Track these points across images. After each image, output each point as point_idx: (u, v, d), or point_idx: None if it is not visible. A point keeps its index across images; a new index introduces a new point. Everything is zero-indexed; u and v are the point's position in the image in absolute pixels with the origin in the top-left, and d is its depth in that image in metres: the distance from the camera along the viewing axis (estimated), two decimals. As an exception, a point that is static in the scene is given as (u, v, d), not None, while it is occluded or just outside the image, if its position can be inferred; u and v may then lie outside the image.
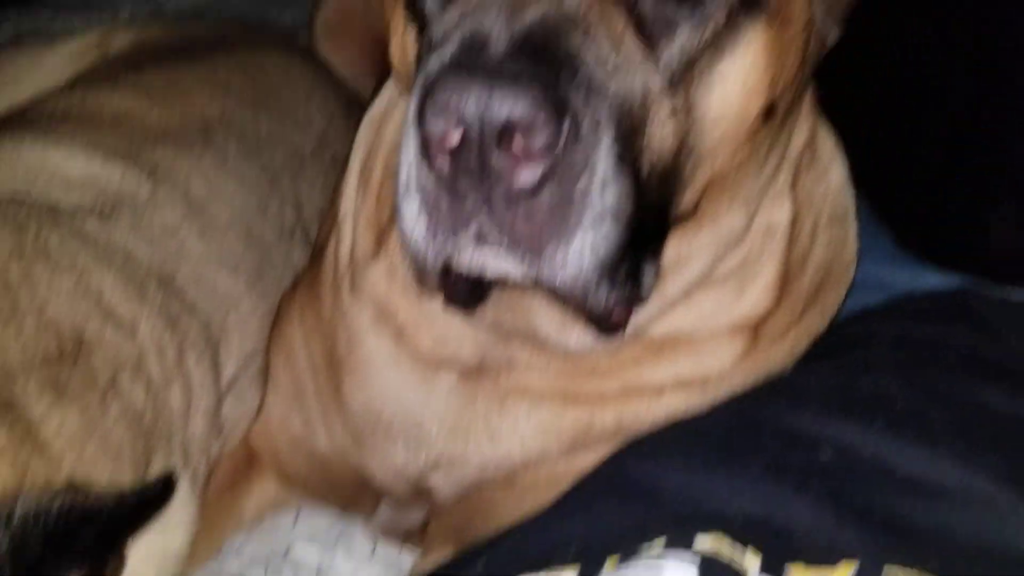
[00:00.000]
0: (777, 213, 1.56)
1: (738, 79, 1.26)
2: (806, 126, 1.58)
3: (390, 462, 1.69)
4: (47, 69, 2.63)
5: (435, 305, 1.56)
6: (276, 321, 1.90)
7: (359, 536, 1.90)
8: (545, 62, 1.10)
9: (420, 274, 1.26)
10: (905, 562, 1.11)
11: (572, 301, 1.24)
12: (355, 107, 2.46)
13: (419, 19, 1.33)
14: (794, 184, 1.57)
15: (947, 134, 2.52)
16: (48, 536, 1.20)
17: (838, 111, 1.70)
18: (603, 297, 1.21)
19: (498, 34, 1.12)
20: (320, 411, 1.78)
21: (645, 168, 1.21)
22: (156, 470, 1.54)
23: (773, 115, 1.33)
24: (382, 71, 1.74)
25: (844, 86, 1.65)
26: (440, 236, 1.17)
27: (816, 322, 1.68)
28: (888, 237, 2.57)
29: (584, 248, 1.14)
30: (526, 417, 1.58)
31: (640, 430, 1.55)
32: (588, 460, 1.53)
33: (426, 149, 1.12)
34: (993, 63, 2.50)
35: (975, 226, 2.41)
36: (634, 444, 1.52)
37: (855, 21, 1.45)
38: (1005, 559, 1.15)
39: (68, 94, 2.09)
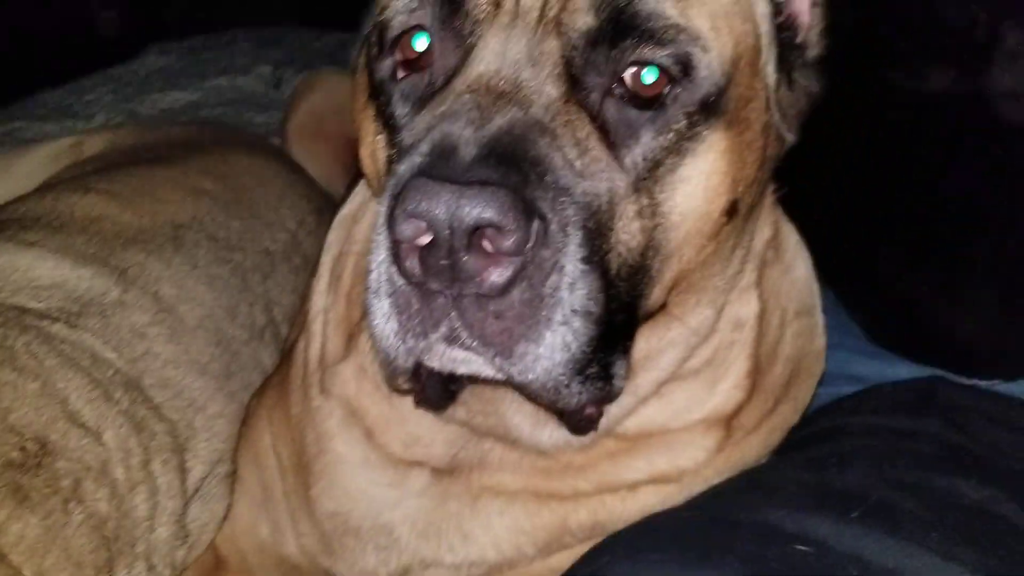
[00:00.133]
0: (744, 307, 1.58)
1: (700, 179, 1.29)
2: (769, 223, 1.62)
3: (360, 567, 1.65)
4: (20, 174, 2.65)
5: (405, 405, 1.55)
6: (245, 423, 1.88)
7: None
8: (513, 167, 1.13)
9: (391, 374, 1.26)
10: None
11: (544, 399, 1.25)
12: (327, 207, 2.49)
13: (389, 125, 1.36)
14: (760, 279, 1.60)
15: (912, 230, 2.59)
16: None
17: (805, 209, 1.74)
18: (575, 394, 1.22)
19: (467, 140, 1.16)
20: (289, 515, 1.75)
21: (613, 266, 1.23)
22: (120, 578, 1.50)
23: (736, 213, 1.36)
24: (354, 172, 1.77)
25: (809, 185, 1.70)
26: (411, 337, 1.18)
27: (789, 414, 1.69)
28: (858, 330, 2.61)
29: (555, 347, 1.15)
30: (499, 516, 1.56)
31: (615, 527, 1.53)
32: (564, 560, 1.51)
33: (397, 252, 1.14)
34: (956, 157, 2.59)
35: (942, 319, 2.46)
36: (609, 543, 1.49)
37: (812, 125, 1.51)
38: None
39: (39, 198, 2.10)
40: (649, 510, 1.54)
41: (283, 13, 5.28)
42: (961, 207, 2.52)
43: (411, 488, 1.59)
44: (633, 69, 1.26)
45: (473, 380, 1.33)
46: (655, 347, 1.46)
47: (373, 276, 1.18)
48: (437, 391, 1.39)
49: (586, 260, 1.16)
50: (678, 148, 1.27)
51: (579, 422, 1.40)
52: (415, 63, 1.33)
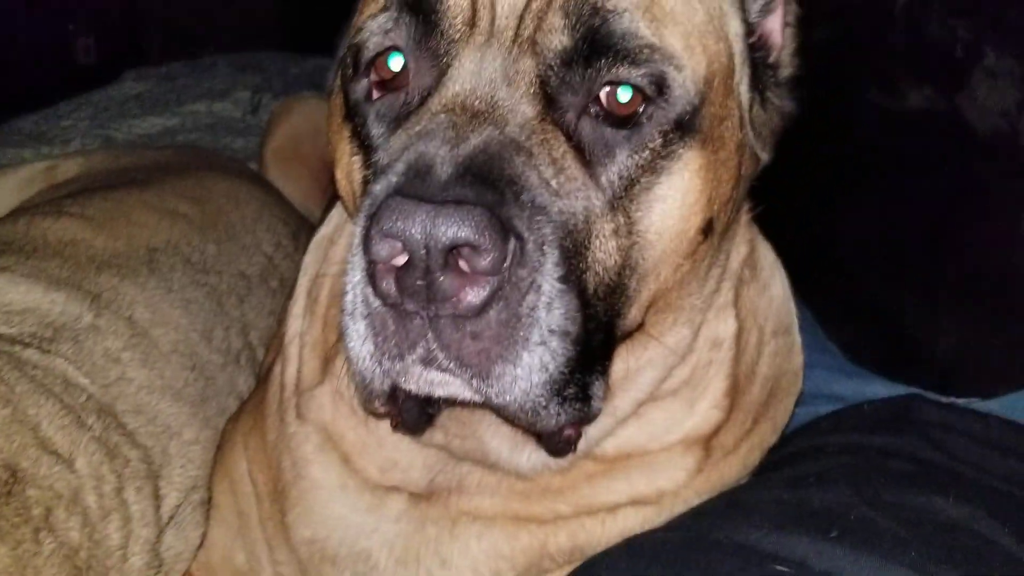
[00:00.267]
0: (722, 326, 1.58)
1: (676, 198, 1.30)
2: (745, 241, 1.63)
3: (338, 594, 1.63)
4: (-6, 199, 2.62)
5: (383, 429, 1.53)
6: (220, 448, 1.85)
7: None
8: (489, 186, 1.13)
9: (367, 397, 1.25)
10: None
11: (522, 421, 1.24)
12: (304, 230, 2.49)
13: (364, 146, 1.36)
14: (737, 298, 1.60)
15: (888, 248, 2.61)
16: None
17: (781, 227, 1.75)
18: (553, 416, 1.21)
19: (443, 159, 1.15)
20: (265, 542, 1.72)
21: (590, 286, 1.23)
22: (90, 610, 1.47)
23: (712, 231, 1.37)
24: (331, 195, 1.77)
25: (786, 203, 1.71)
26: (387, 359, 1.17)
27: (767, 434, 1.68)
28: (835, 348, 2.62)
29: (532, 368, 1.15)
30: (478, 541, 1.54)
31: (595, 550, 1.52)
32: (543, 584, 1.50)
33: (372, 273, 1.13)
34: (934, 175, 2.61)
35: (919, 338, 2.47)
36: (589, 566, 1.48)
37: (789, 142, 1.52)
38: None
39: (12, 223, 2.08)
40: (629, 532, 1.53)
41: (262, 39, 5.29)
42: (937, 226, 2.55)
43: (389, 513, 1.57)
44: (608, 88, 1.26)
45: (450, 403, 1.32)
46: (633, 367, 1.46)
47: (348, 298, 1.17)
48: (414, 414, 1.38)
49: (563, 279, 1.16)
50: (654, 166, 1.27)
51: (558, 444, 1.39)
52: (390, 83, 1.33)
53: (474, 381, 1.15)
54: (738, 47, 1.41)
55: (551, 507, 1.53)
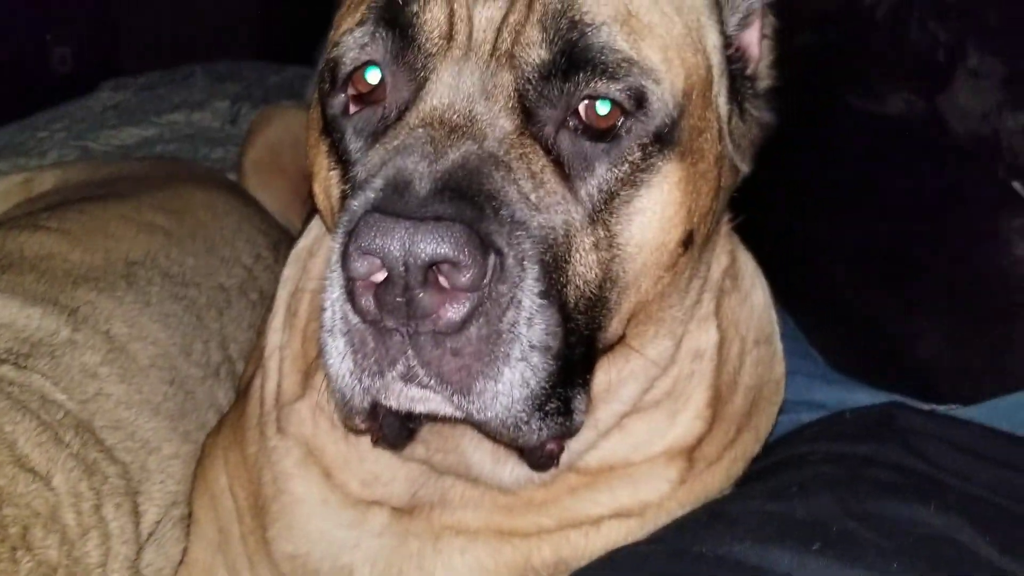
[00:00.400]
0: (704, 337, 1.58)
1: (656, 210, 1.30)
2: (725, 251, 1.63)
3: (320, 610, 1.61)
4: (-33, 213, 2.59)
5: (364, 443, 1.52)
6: (200, 463, 1.83)
7: None
8: (468, 201, 1.13)
9: (347, 414, 1.24)
10: None
11: (504, 436, 1.23)
12: (284, 241, 2.47)
13: (342, 160, 1.35)
14: (718, 308, 1.60)
15: (868, 255, 2.63)
16: None
17: (761, 236, 1.76)
18: (535, 430, 1.20)
19: (421, 175, 1.15)
20: (246, 558, 1.70)
21: (571, 300, 1.23)
22: (69, 630, 1.45)
23: (692, 243, 1.37)
24: (311, 206, 1.76)
25: (765, 212, 1.71)
26: (367, 375, 1.16)
27: (750, 444, 1.68)
28: (817, 356, 2.63)
29: (514, 383, 1.14)
30: (461, 555, 1.53)
31: (579, 564, 1.52)
32: (527, 599, 1.49)
33: (351, 290, 1.12)
34: (913, 181, 2.63)
35: (900, 345, 2.49)
36: (573, 580, 1.48)
37: (768, 151, 1.52)
38: None
39: (-13, 237, 2.06)
40: (612, 545, 1.52)
41: (240, 48, 5.27)
42: (916, 230, 2.56)
43: (371, 528, 1.56)
44: (587, 102, 1.26)
45: (432, 418, 1.32)
46: (615, 379, 1.46)
47: (327, 314, 1.17)
48: (395, 430, 1.37)
49: (544, 294, 1.15)
50: (633, 179, 1.27)
51: (540, 458, 1.39)
52: (367, 97, 1.33)
53: (455, 397, 1.15)
54: (716, 59, 1.41)
55: (534, 521, 1.53)
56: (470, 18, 1.28)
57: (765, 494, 1.53)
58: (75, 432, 1.63)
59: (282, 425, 1.64)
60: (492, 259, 1.10)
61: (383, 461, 1.54)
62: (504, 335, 1.12)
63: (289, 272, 1.79)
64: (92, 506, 1.59)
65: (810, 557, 1.30)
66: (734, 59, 1.46)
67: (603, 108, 1.26)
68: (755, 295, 1.73)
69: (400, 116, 1.28)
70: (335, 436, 1.58)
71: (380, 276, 1.09)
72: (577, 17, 1.26)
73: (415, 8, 1.29)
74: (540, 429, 1.20)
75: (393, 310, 1.09)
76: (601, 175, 1.26)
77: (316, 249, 1.74)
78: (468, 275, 1.08)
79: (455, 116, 1.22)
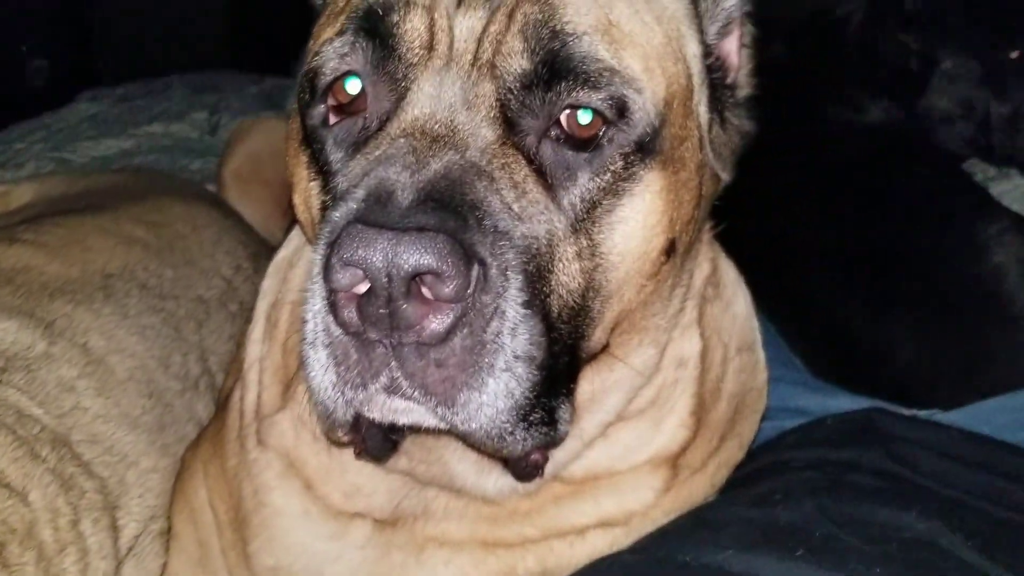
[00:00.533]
0: (687, 345, 1.58)
1: (638, 219, 1.30)
2: (707, 260, 1.63)
3: (302, 624, 1.60)
4: (-58, 226, 2.55)
5: (346, 455, 1.51)
6: (179, 477, 1.81)
7: None
8: (451, 211, 1.12)
9: (329, 427, 1.23)
10: None
11: (488, 447, 1.23)
12: (264, 252, 2.45)
13: (323, 171, 1.34)
14: (701, 316, 1.60)
15: (848, 262, 2.65)
16: None
17: (742, 244, 1.76)
18: (519, 441, 1.20)
19: (403, 185, 1.14)
20: (227, 571, 1.69)
21: (555, 309, 1.22)
22: (47, 649, 1.43)
23: (674, 252, 1.37)
24: (292, 216, 1.75)
25: (746, 220, 1.72)
26: (349, 388, 1.15)
27: (734, 451, 1.69)
28: (798, 363, 2.64)
29: (498, 394, 1.14)
30: (445, 567, 1.52)
31: (564, 574, 1.51)
32: (512, 610, 1.48)
33: (333, 302, 1.11)
34: (889, 188, 2.65)
35: (880, 351, 2.51)
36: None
37: (748, 160, 1.53)
38: None
39: (-37, 250, 2.03)
40: (597, 554, 1.52)
41: (219, 58, 5.25)
42: (895, 240, 2.59)
43: (353, 540, 1.55)
44: (568, 111, 1.26)
45: (415, 429, 1.31)
46: (599, 389, 1.45)
47: (309, 327, 1.16)
48: (378, 442, 1.36)
49: (527, 304, 1.15)
50: (615, 188, 1.27)
51: (524, 468, 1.38)
52: (348, 107, 1.32)
53: (439, 409, 1.14)
54: (696, 68, 1.42)
55: (519, 531, 1.52)
56: (451, 28, 1.28)
57: (748, 501, 1.54)
58: (52, 447, 1.61)
59: (262, 437, 1.63)
60: (475, 269, 1.10)
61: (365, 473, 1.53)
62: (488, 346, 1.11)
63: (269, 283, 1.78)
64: (69, 522, 1.57)
65: (792, 564, 1.30)
66: (714, 68, 1.46)
67: (585, 117, 1.26)
68: (737, 303, 1.74)
69: (381, 127, 1.27)
70: (316, 448, 1.57)
71: (363, 287, 1.08)
72: (558, 27, 1.26)
73: (395, 18, 1.29)
74: (525, 439, 1.20)
75: (376, 322, 1.09)
76: (583, 184, 1.26)
77: (296, 260, 1.73)
78: (451, 286, 1.07)
79: (437, 126, 1.22)
